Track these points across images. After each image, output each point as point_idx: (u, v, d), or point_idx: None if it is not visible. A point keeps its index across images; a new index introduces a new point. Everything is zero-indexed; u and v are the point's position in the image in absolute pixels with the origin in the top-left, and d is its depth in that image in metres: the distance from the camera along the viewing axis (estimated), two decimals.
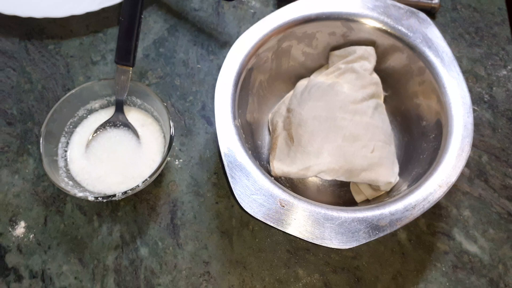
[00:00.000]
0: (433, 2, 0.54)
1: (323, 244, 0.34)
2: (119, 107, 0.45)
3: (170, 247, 0.44)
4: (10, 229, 0.45)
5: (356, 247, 0.40)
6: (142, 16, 0.44)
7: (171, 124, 0.43)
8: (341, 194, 0.46)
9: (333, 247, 0.34)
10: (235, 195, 0.36)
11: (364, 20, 0.45)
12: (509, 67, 0.52)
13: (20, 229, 0.44)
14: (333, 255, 0.44)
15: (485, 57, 0.53)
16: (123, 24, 0.43)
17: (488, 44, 0.54)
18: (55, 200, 0.46)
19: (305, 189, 0.47)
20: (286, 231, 0.35)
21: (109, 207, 0.46)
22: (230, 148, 0.39)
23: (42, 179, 0.47)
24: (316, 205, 0.36)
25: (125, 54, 0.43)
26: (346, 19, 0.45)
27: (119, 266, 0.43)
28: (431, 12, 0.55)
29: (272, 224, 0.35)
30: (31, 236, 0.44)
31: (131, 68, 0.44)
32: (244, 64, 0.43)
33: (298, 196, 0.37)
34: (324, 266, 0.43)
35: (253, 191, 0.37)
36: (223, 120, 0.40)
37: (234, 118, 0.40)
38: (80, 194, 0.40)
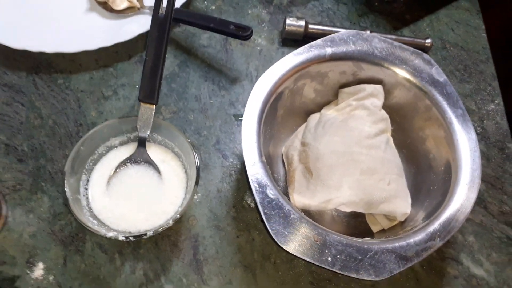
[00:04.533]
0: (426, 41, 0.59)
1: (359, 277, 0.36)
2: (142, 144, 0.46)
3: (195, 283, 0.44)
4: (28, 271, 0.43)
5: None
6: (166, 56, 0.45)
7: (196, 156, 0.43)
8: (356, 224, 0.48)
9: (369, 279, 0.36)
10: (270, 232, 0.38)
11: (374, 60, 0.48)
12: (496, 102, 0.58)
13: (38, 271, 0.43)
14: (353, 284, 0.45)
15: (474, 93, 0.58)
16: (147, 63, 0.44)
17: (476, 80, 0.59)
18: (74, 239, 0.45)
19: (321, 219, 0.49)
20: (324, 267, 0.36)
21: (130, 245, 0.45)
22: (261, 184, 0.40)
23: (58, 217, 0.46)
24: (349, 239, 0.38)
25: (150, 93, 0.44)
26: (357, 59, 0.48)
27: None
28: (424, 51, 0.59)
29: (310, 260, 0.36)
30: (51, 278, 0.43)
31: (154, 106, 0.45)
32: (266, 101, 0.45)
33: (329, 230, 0.39)
34: None
35: (286, 227, 0.38)
36: (252, 158, 0.41)
37: (261, 155, 0.42)
38: (110, 234, 0.40)
